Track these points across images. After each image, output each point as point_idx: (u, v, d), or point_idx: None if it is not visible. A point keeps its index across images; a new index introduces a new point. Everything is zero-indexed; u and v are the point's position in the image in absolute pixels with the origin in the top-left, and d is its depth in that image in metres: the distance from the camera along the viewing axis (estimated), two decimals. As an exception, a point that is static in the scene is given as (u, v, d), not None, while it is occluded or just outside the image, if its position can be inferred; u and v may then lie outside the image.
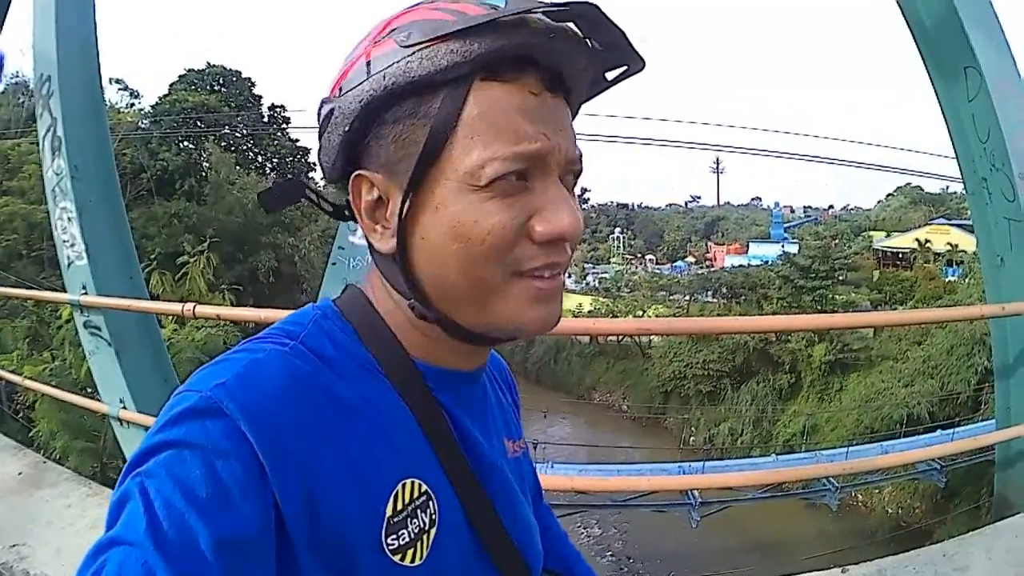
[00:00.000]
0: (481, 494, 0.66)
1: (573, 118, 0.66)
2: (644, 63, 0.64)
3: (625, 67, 0.65)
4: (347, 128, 0.60)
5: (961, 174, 3.51)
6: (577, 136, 0.68)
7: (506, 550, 0.67)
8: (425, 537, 0.60)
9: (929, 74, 3.45)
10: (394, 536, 0.57)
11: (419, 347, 0.65)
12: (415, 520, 0.59)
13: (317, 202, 0.69)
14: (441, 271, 0.60)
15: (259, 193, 0.70)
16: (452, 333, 0.63)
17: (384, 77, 0.57)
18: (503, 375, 0.88)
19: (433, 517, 0.61)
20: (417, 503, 0.60)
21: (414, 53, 0.56)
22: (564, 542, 0.97)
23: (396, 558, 0.57)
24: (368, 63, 0.59)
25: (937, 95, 3.45)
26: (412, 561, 0.58)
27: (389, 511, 0.57)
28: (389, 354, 0.64)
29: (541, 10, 0.55)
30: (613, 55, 0.63)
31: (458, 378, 0.69)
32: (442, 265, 0.59)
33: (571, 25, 0.58)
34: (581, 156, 0.63)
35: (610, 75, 0.66)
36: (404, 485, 0.59)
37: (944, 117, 3.45)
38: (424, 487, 0.61)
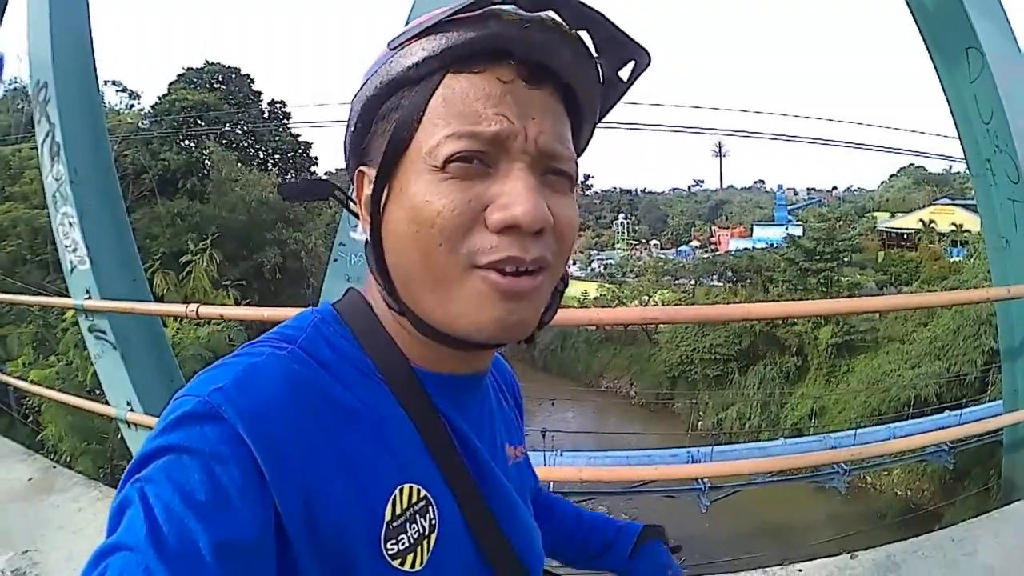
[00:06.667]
0: (480, 500, 0.66)
1: (589, 123, 0.67)
2: (649, 56, 0.62)
3: (632, 61, 0.63)
4: (352, 128, 0.65)
5: (965, 155, 3.49)
6: (582, 148, 0.68)
7: (505, 556, 0.68)
8: (425, 542, 0.60)
9: (931, 55, 3.44)
10: (393, 541, 0.57)
11: (418, 353, 0.65)
12: (414, 525, 0.59)
13: (344, 202, 0.70)
14: (403, 258, 0.60)
15: (279, 185, 0.72)
16: (420, 329, 0.62)
17: (374, 78, 0.61)
18: (507, 379, 0.88)
19: (433, 522, 0.61)
20: (416, 508, 0.60)
21: (396, 53, 0.60)
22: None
23: (396, 563, 0.57)
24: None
25: (939, 76, 3.44)
26: (412, 566, 0.58)
27: (388, 515, 0.57)
28: (387, 359, 0.64)
29: (511, 2, 0.55)
30: (614, 49, 0.62)
31: (458, 384, 0.68)
32: (404, 251, 0.59)
33: (552, 15, 0.57)
34: (569, 158, 0.62)
35: (623, 73, 0.64)
36: (402, 490, 0.59)
37: (946, 98, 3.44)
38: (423, 492, 0.61)
